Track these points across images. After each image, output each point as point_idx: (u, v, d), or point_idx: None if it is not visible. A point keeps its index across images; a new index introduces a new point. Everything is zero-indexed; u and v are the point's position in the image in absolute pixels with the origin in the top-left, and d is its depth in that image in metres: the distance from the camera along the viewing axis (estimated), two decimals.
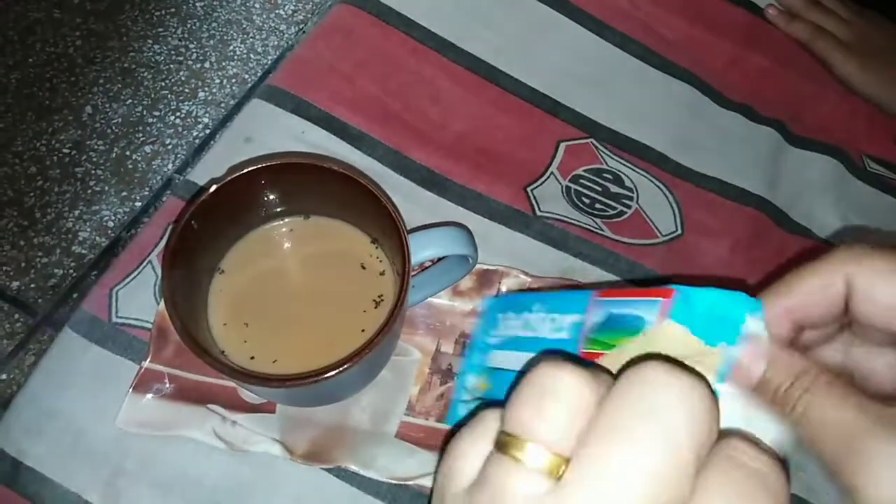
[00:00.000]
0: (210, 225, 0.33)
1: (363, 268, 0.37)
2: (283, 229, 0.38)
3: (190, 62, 1.21)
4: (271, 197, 0.36)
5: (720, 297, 0.22)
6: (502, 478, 0.18)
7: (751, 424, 0.21)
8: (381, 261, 0.37)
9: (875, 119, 0.54)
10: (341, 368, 0.29)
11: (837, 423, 0.21)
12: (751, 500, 0.18)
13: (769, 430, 0.22)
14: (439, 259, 0.39)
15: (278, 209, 0.37)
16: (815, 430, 0.21)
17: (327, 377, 0.29)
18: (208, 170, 0.44)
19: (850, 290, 0.23)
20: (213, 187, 0.33)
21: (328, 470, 0.37)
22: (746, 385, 0.23)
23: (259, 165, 0.34)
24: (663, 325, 0.22)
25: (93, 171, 1.10)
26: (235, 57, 1.22)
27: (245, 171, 0.33)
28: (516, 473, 0.18)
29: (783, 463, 0.19)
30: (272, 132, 0.45)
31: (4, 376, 0.94)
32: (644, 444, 0.17)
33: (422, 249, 0.33)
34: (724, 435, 0.19)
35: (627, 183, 0.47)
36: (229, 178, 0.33)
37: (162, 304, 0.38)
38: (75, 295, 1.00)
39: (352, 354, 0.30)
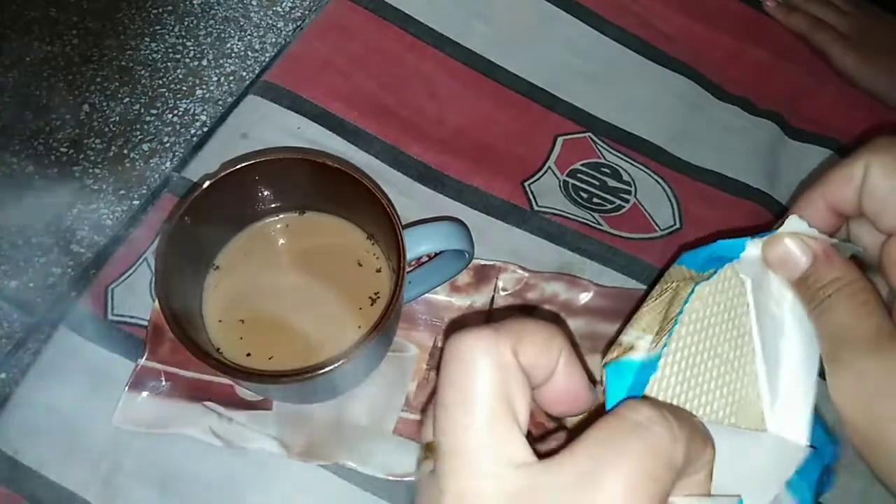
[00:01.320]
0: (204, 221, 0.33)
1: (360, 265, 0.36)
2: (279, 225, 0.38)
3: (187, 60, 1.20)
4: (265, 192, 0.36)
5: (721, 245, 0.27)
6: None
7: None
8: (377, 258, 0.37)
9: (874, 111, 0.53)
10: (336, 365, 0.29)
11: (840, 327, 0.23)
12: (622, 446, 0.19)
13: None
14: (436, 254, 0.38)
15: (273, 205, 0.37)
16: (822, 329, 0.24)
17: (322, 373, 0.29)
18: (205, 166, 0.44)
19: (864, 178, 0.25)
20: (207, 183, 0.33)
21: (325, 466, 0.37)
22: (791, 276, 0.25)
23: (253, 161, 0.34)
24: (672, 267, 0.28)
25: (90, 170, 1.10)
26: (233, 54, 1.22)
27: (238, 166, 0.33)
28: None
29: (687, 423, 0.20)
30: (268, 128, 0.45)
31: (3, 375, 0.94)
32: None
33: (418, 245, 0.33)
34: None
35: (625, 177, 0.47)
36: (222, 174, 0.33)
37: (157, 301, 0.38)
38: (73, 294, 1.00)
39: (347, 351, 0.30)
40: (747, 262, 0.27)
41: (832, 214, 0.27)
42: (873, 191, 0.25)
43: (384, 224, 0.33)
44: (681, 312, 0.25)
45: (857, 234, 0.29)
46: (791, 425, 0.25)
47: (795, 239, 0.25)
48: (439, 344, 0.40)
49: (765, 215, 0.47)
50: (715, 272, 0.26)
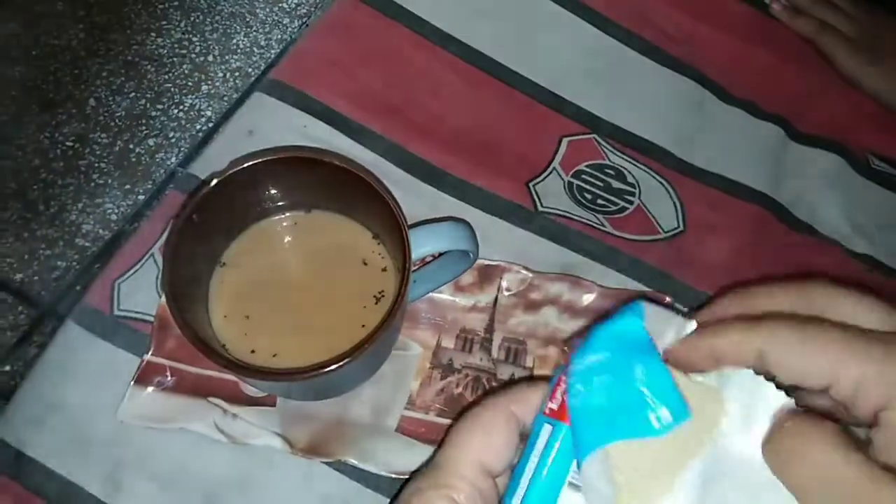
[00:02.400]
0: (211, 218, 0.33)
1: (365, 264, 0.37)
2: (285, 223, 0.38)
3: (193, 55, 1.21)
4: (272, 191, 0.36)
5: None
6: None
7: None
8: (382, 257, 0.37)
9: (880, 116, 0.53)
10: (341, 363, 0.29)
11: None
12: None
13: None
14: (440, 254, 0.39)
15: (279, 203, 0.37)
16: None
17: (327, 371, 0.29)
18: (210, 163, 0.44)
19: (761, 360, 0.24)
20: (214, 181, 0.33)
21: (328, 463, 0.37)
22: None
23: (260, 159, 0.34)
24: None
25: (96, 164, 1.11)
26: (239, 50, 1.22)
27: (246, 164, 0.34)
28: None
29: None
30: (274, 126, 0.45)
31: (7, 368, 0.95)
32: None
33: (422, 244, 0.33)
34: None
35: (630, 179, 0.47)
36: (230, 172, 0.33)
37: (164, 297, 0.38)
38: (78, 287, 1.01)
39: (352, 349, 0.30)
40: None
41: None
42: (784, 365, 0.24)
43: (390, 224, 0.33)
44: None
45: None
46: None
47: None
48: (442, 343, 0.40)
49: (768, 218, 0.47)
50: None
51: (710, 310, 0.27)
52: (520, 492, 0.27)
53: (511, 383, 0.34)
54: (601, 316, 0.33)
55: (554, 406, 0.27)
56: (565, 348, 0.32)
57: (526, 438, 0.28)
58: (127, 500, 0.36)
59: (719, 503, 0.24)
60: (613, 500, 0.24)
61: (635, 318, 0.27)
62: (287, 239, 0.38)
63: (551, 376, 0.28)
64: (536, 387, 0.28)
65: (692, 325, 0.26)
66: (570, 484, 0.26)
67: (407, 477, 0.36)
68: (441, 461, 0.27)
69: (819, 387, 0.23)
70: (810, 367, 0.23)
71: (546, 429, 0.27)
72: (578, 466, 0.26)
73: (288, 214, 0.38)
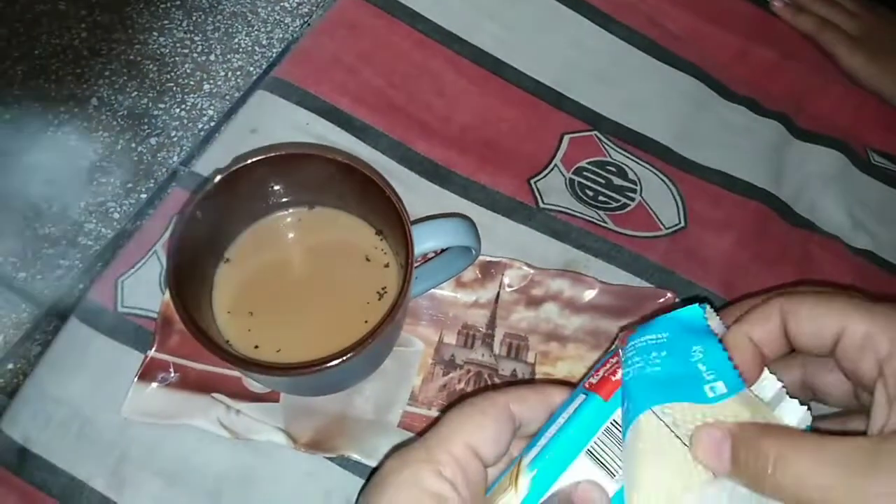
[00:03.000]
0: (215, 215, 0.34)
1: (368, 260, 0.37)
2: (288, 220, 0.38)
3: (195, 54, 1.21)
4: (276, 187, 0.36)
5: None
6: None
7: None
8: (385, 253, 0.37)
9: (880, 112, 0.53)
10: (344, 358, 0.30)
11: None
12: None
13: None
14: (442, 250, 0.39)
15: (283, 199, 0.37)
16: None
17: (330, 366, 0.29)
18: (214, 161, 0.44)
19: (783, 322, 0.28)
20: (218, 178, 0.33)
21: (331, 459, 0.37)
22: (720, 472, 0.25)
23: (263, 156, 0.34)
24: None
25: (98, 163, 1.11)
26: (240, 49, 1.22)
27: (249, 161, 0.34)
28: None
29: None
30: (277, 124, 0.46)
31: (10, 366, 0.95)
32: None
33: (425, 240, 0.33)
34: None
35: (631, 175, 0.47)
36: (234, 169, 0.33)
37: (167, 293, 0.38)
38: (81, 286, 1.01)
39: (354, 344, 0.30)
40: None
41: (757, 355, 0.28)
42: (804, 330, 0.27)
43: (393, 220, 0.33)
44: None
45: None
46: None
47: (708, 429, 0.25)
48: (444, 339, 0.40)
49: (770, 214, 0.47)
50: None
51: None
52: (539, 444, 0.28)
53: (513, 383, 0.35)
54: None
55: (594, 381, 0.29)
56: (620, 334, 0.33)
57: (523, 437, 0.29)
58: (131, 495, 0.36)
59: None
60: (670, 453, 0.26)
61: (697, 308, 0.29)
62: (290, 235, 0.38)
63: (596, 361, 0.31)
64: (536, 388, 0.30)
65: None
66: (589, 452, 0.27)
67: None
68: (431, 438, 0.27)
69: (831, 341, 0.26)
70: (824, 321, 0.26)
71: (580, 397, 0.29)
72: (627, 427, 0.27)
73: (291, 211, 0.38)
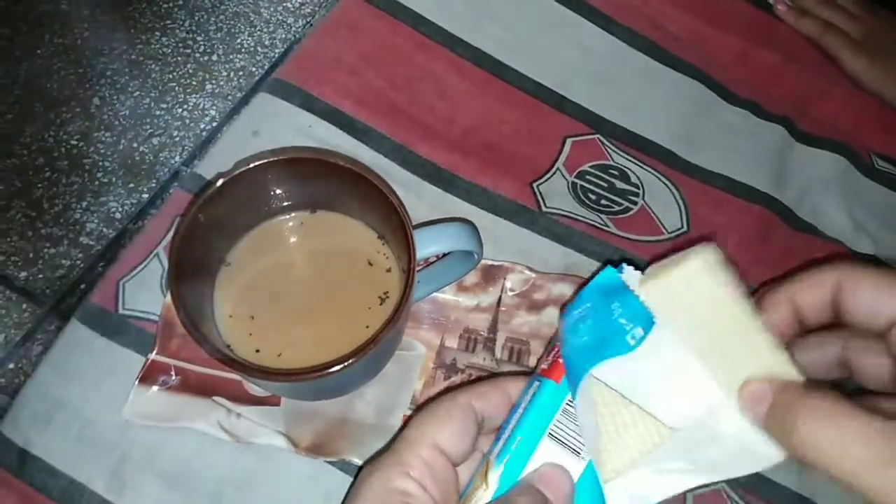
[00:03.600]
0: (217, 218, 0.34)
1: (370, 264, 0.37)
2: (290, 223, 0.38)
3: (197, 55, 1.21)
4: (278, 191, 0.36)
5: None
6: None
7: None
8: (387, 257, 0.37)
9: (883, 116, 0.53)
10: (345, 364, 0.29)
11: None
12: None
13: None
14: (444, 254, 0.39)
15: (285, 203, 0.37)
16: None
17: (331, 372, 0.29)
18: (216, 163, 0.44)
19: (837, 290, 0.27)
20: (220, 181, 0.33)
21: (332, 463, 0.37)
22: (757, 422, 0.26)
23: (266, 160, 0.34)
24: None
25: (100, 163, 1.11)
26: (243, 49, 1.22)
27: (252, 165, 0.34)
28: None
29: None
30: (279, 126, 0.46)
31: (12, 366, 0.95)
32: None
33: (427, 245, 0.33)
34: None
35: (633, 179, 0.47)
36: (236, 173, 0.33)
37: (168, 296, 0.38)
38: (82, 286, 1.01)
39: (356, 350, 0.30)
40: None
41: (794, 320, 0.28)
42: (861, 300, 0.27)
43: (395, 224, 0.33)
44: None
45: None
46: None
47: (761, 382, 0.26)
48: (446, 343, 0.40)
49: (772, 218, 0.47)
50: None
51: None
52: (503, 438, 0.29)
53: (477, 380, 0.35)
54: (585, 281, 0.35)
55: (545, 366, 0.30)
56: (560, 317, 0.34)
57: (488, 432, 0.30)
58: (132, 498, 0.36)
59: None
60: (596, 425, 0.27)
61: (611, 270, 0.31)
62: (292, 239, 0.38)
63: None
64: (495, 382, 0.31)
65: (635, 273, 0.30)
66: (550, 435, 0.28)
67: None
68: (399, 443, 0.28)
69: (887, 321, 0.26)
70: (886, 299, 0.26)
71: (535, 385, 0.30)
72: (575, 399, 0.28)
73: (293, 215, 0.38)
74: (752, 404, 0.25)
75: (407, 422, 0.30)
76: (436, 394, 0.39)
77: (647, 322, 0.28)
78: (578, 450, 0.28)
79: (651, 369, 0.27)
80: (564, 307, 0.33)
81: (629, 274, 0.30)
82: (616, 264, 0.31)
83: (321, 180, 0.35)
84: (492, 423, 0.30)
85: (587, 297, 0.31)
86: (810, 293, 0.28)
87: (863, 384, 0.30)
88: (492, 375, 0.40)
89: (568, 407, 0.29)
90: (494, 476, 0.28)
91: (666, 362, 0.27)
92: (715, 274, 0.27)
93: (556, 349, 0.31)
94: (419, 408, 0.31)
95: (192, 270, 0.33)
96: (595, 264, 0.43)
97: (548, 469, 0.28)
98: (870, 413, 0.22)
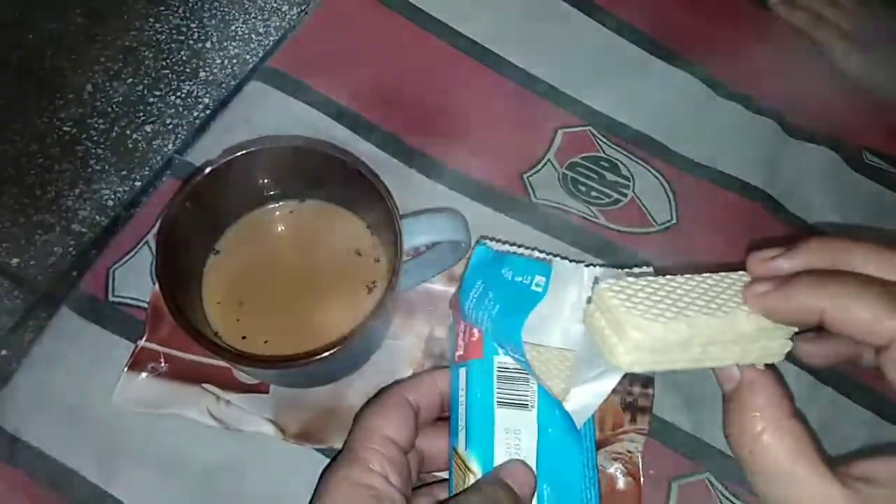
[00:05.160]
0: (205, 206, 0.34)
1: (358, 254, 0.37)
2: (279, 212, 0.38)
3: (191, 42, 1.20)
4: (267, 180, 0.36)
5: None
6: None
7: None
8: (375, 247, 0.37)
9: (874, 111, 0.53)
10: (331, 352, 0.30)
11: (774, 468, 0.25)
12: None
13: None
14: (433, 244, 0.39)
15: (274, 192, 0.37)
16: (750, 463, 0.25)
17: (316, 360, 0.30)
18: (207, 151, 0.44)
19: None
20: (208, 169, 0.33)
21: (320, 450, 0.37)
22: (724, 386, 0.27)
23: (254, 148, 0.34)
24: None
25: (93, 150, 1.10)
26: (237, 37, 1.22)
27: (240, 153, 0.34)
28: None
29: None
30: (271, 115, 0.45)
31: (4, 352, 0.95)
32: None
33: (415, 235, 0.33)
34: None
35: (624, 171, 0.47)
36: (224, 161, 0.33)
37: (158, 284, 0.38)
38: (74, 273, 1.01)
39: (342, 338, 0.30)
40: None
41: (803, 321, 0.26)
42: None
43: (383, 215, 0.33)
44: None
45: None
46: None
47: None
48: (435, 333, 0.40)
49: (761, 212, 0.47)
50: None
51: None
52: (460, 427, 0.31)
53: (413, 375, 0.38)
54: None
55: (460, 352, 0.33)
56: (451, 309, 0.38)
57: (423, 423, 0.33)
58: (122, 484, 0.36)
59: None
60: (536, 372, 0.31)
61: (480, 247, 0.36)
62: (281, 228, 0.38)
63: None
64: (426, 375, 0.34)
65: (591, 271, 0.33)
66: (499, 403, 0.31)
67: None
68: (352, 441, 0.31)
69: (884, 341, 0.24)
70: (877, 321, 0.24)
71: (461, 372, 0.33)
72: (525, 364, 0.31)
73: (282, 203, 0.38)
74: (722, 377, 0.27)
75: (355, 419, 0.32)
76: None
77: (544, 268, 0.32)
78: (525, 403, 0.32)
79: (551, 308, 0.31)
80: (454, 300, 0.37)
81: (496, 246, 0.36)
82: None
83: (310, 169, 0.35)
84: (426, 415, 0.33)
85: (473, 277, 0.34)
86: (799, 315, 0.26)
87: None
88: None
89: (500, 372, 0.32)
90: (474, 463, 0.30)
91: (554, 300, 0.31)
92: (646, 358, 0.25)
93: (462, 333, 0.34)
94: (364, 405, 0.33)
95: (180, 258, 0.33)
96: (584, 255, 0.44)
97: (512, 465, 0.30)
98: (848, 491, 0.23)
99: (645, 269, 0.35)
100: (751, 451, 0.24)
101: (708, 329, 0.25)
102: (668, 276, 0.27)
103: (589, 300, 0.29)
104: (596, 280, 0.33)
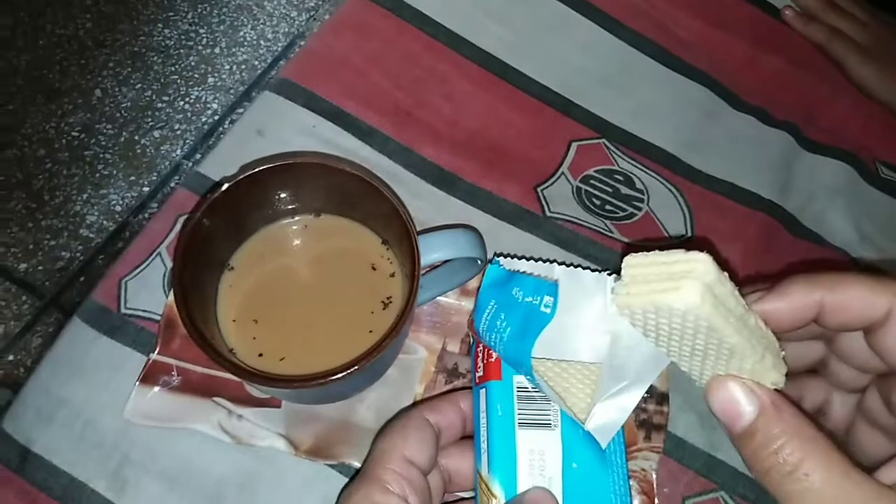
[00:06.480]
0: (221, 222, 0.33)
1: (373, 269, 0.37)
2: (294, 227, 0.38)
3: (200, 47, 1.21)
4: (282, 195, 0.36)
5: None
6: None
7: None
8: (391, 262, 0.37)
9: (890, 124, 0.53)
10: (348, 371, 0.29)
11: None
12: None
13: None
14: (448, 259, 0.39)
15: (289, 207, 0.37)
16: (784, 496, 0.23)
17: (334, 379, 0.29)
18: (219, 162, 0.44)
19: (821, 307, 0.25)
20: (225, 186, 0.33)
21: (332, 466, 0.37)
22: (733, 427, 0.24)
23: (270, 165, 0.34)
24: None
25: (101, 155, 1.11)
26: (245, 43, 1.22)
27: (256, 169, 0.33)
28: None
29: None
30: (283, 126, 0.45)
31: (11, 357, 0.95)
32: None
33: (431, 251, 0.33)
34: None
35: (638, 185, 0.47)
36: (241, 177, 0.33)
37: (171, 296, 0.38)
38: (82, 278, 1.01)
39: (359, 357, 0.30)
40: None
41: (801, 317, 0.26)
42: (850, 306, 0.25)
43: (399, 230, 0.33)
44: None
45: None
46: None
47: (740, 384, 0.24)
48: (448, 347, 0.40)
49: (776, 226, 0.47)
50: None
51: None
52: (483, 450, 0.31)
53: (433, 397, 0.37)
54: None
55: (481, 374, 0.33)
56: (468, 329, 0.38)
57: (445, 444, 0.33)
58: (132, 498, 0.36)
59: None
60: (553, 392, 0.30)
61: (493, 267, 0.35)
62: (296, 243, 0.38)
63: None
64: (448, 397, 0.33)
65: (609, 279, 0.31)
66: (520, 424, 0.31)
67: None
68: (370, 462, 0.31)
69: (881, 313, 0.24)
70: (874, 296, 0.24)
71: (482, 393, 0.33)
72: (535, 383, 0.30)
73: (297, 218, 0.38)
74: (723, 413, 0.24)
75: (375, 441, 0.32)
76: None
77: (551, 288, 0.31)
78: (548, 422, 0.31)
79: (566, 325, 0.30)
80: (470, 321, 0.36)
81: (508, 264, 0.34)
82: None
83: (325, 185, 0.35)
84: (448, 435, 0.33)
85: (486, 298, 0.34)
86: (795, 314, 0.26)
87: (833, 386, 0.30)
88: None
89: (520, 393, 0.32)
90: (496, 486, 0.30)
91: (573, 315, 0.30)
92: (711, 297, 0.24)
93: (480, 355, 0.34)
94: (384, 426, 0.33)
95: (195, 274, 0.33)
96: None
97: (536, 492, 0.29)
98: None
99: None
100: (798, 479, 0.22)
101: (742, 306, 0.24)
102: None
103: (617, 277, 0.27)
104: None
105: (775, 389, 0.25)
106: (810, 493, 0.22)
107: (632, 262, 0.25)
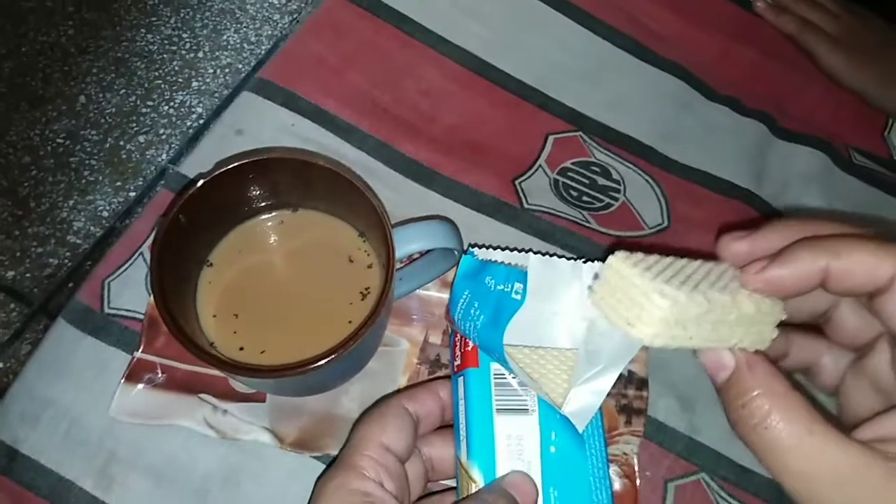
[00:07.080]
0: (198, 218, 0.34)
1: (351, 261, 0.37)
2: (271, 223, 0.38)
3: (183, 52, 1.21)
4: (259, 191, 0.37)
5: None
6: None
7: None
8: (368, 254, 0.37)
9: (861, 112, 0.54)
10: (327, 359, 0.30)
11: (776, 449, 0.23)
12: None
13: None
14: (426, 252, 0.39)
15: (266, 203, 0.38)
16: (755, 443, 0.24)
17: (313, 368, 0.30)
18: (200, 162, 0.44)
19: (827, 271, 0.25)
20: (201, 182, 0.33)
21: (317, 458, 0.37)
22: (714, 377, 0.26)
23: (246, 160, 0.34)
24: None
25: (87, 161, 1.10)
26: (229, 46, 1.22)
27: (232, 165, 0.34)
28: None
29: None
30: (263, 125, 0.46)
31: (0, 365, 0.95)
32: None
33: (407, 243, 0.34)
34: None
35: (615, 175, 0.48)
36: (216, 173, 0.34)
37: (153, 297, 0.38)
38: (70, 284, 1.01)
39: (337, 346, 0.30)
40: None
41: (807, 284, 0.26)
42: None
43: (374, 222, 0.33)
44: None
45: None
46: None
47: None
48: (430, 339, 0.41)
49: (751, 213, 0.48)
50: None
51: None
52: (462, 437, 0.32)
53: (410, 386, 0.38)
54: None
55: (458, 362, 0.34)
56: (446, 319, 0.38)
57: (424, 432, 0.33)
58: (120, 495, 0.36)
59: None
60: (527, 374, 0.30)
61: (468, 257, 0.36)
62: (274, 238, 0.38)
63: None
64: (427, 385, 0.34)
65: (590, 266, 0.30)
66: (498, 410, 0.32)
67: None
68: (348, 449, 0.31)
69: (886, 280, 0.24)
70: (879, 261, 0.24)
71: (459, 382, 0.33)
72: (508, 368, 0.31)
73: (274, 214, 0.38)
74: (709, 367, 0.26)
75: (353, 429, 0.32)
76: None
77: (521, 275, 0.31)
78: (525, 408, 0.32)
79: (541, 311, 0.30)
80: (447, 311, 0.37)
81: (483, 254, 0.35)
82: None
83: (302, 180, 0.36)
84: (427, 424, 0.33)
85: (460, 288, 0.35)
86: (799, 281, 0.25)
87: (833, 340, 0.29)
88: None
89: (498, 380, 0.32)
90: (476, 471, 0.30)
91: (549, 301, 0.30)
92: (668, 333, 0.24)
93: (458, 344, 0.35)
94: (362, 414, 0.34)
95: (174, 271, 0.33)
96: None
97: (515, 476, 0.30)
98: (870, 452, 0.22)
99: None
100: (763, 430, 0.23)
101: (721, 306, 0.24)
102: (672, 257, 0.26)
103: (595, 277, 0.28)
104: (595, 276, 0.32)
105: (756, 350, 0.25)
106: (774, 443, 0.23)
107: (613, 265, 0.25)
